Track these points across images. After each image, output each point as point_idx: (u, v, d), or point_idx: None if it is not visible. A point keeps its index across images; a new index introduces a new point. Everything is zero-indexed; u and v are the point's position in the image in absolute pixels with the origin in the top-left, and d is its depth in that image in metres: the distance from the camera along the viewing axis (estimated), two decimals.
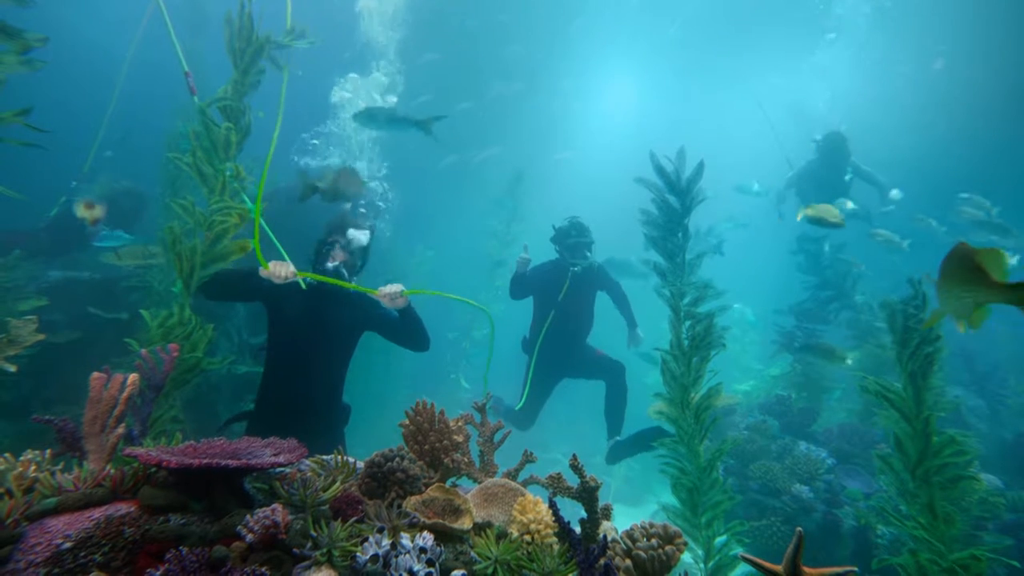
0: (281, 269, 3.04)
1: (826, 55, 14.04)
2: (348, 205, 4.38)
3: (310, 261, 3.58)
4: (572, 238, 5.35)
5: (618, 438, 5.44)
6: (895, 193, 7.52)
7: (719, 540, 3.57)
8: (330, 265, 3.40)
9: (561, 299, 5.38)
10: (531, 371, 5.43)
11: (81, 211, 4.92)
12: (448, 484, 2.18)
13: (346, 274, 3.44)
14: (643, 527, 1.93)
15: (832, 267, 7.59)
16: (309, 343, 3.42)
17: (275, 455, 1.92)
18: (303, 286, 3.39)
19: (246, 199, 3.65)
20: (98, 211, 5.08)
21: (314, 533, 1.58)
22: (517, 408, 5.49)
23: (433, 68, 12.14)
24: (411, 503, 1.88)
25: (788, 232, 8.80)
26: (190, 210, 3.61)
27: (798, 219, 5.71)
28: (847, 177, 7.51)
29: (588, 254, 5.35)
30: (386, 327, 3.60)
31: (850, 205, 6.90)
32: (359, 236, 3.51)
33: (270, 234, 3.39)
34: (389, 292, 3.22)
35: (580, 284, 5.43)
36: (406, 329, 3.50)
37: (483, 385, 4.84)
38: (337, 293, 3.47)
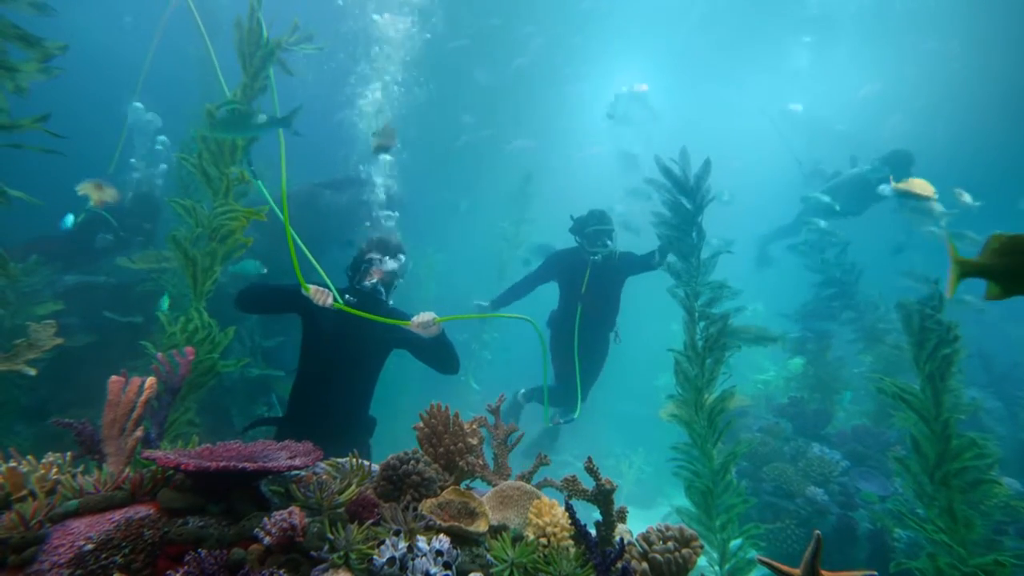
0: (321, 296, 3.09)
1: (830, 54, 13.99)
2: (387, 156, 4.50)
3: (346, 275, 3.58)
4: (591, 226, 5.17)
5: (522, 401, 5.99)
6: (885, 189, 7.46)
7: (734, 543, 3.54)
8: (368, 284, 3.43)
9: (584, 292, 5.25)
10: (577, 366, 5.29)
11: (86, 189, 4.97)
12: (463, 487, 2.18)
13: (383, 292, 3.46)
14: (659, 530, 1.92)
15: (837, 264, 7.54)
16: (340, 358, 3.44)
17: (291, 458, 1.93)
18: (340, 304, 3.40)
19: (271, 203, 3.64)
20: (108, 194, 5.13)
21: (331, 536, 1.59)
22: (575, 416, 5.40)
23: (438, 56, 12.15)
24: (427, 506, 1.89)
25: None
26: (191, 211, 3.64)
27: (889, 191, 5.67)
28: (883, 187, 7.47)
29: (609, 242, 5.17)
30: (417, 347, 3.56)
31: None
32: (397, 262, 3.54)
33: (311, 258, 3.39)
34: (422, 322, 3.21)
35: (603, 274, 5.27)
36: (437, 354, 3.47)
37: (544, 405, 4.90)
38: (370, 310, 3.46)
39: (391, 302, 3.59)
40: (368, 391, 3.64)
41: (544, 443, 6.41)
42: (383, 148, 4.22)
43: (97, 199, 5.07)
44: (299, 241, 3.34)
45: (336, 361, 3.44)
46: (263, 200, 3.59)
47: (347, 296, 3.36)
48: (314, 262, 3.39)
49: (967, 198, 6.64)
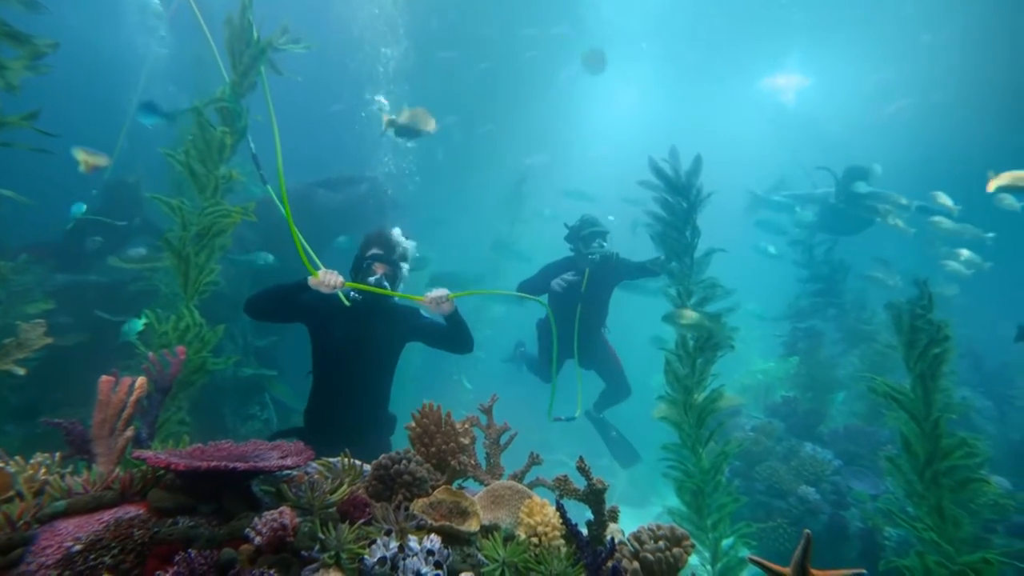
0: (330, 278, 2.99)
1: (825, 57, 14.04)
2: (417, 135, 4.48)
3: (350, 275, 3.49)
4: (586, 229, 5.33)
5: (601, 416, 6.12)
6: (860, 186, 7.51)
7: (726, 542, 3.56)
8: (372, 280, 3.34)
9: (584, 291, 5.31)
10: (579, 369, 5.43)
11: (79, 156, 4.90)
12: (455, 486, 2.18)
13: (389, 287, 3.37)
14: (650, 529, 1.93)
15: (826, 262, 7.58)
16: (354, 361, 3.40)
17: (282, 458, 1.93)
18: (347, 302, 3.32)
19: (279, 204, 3.61)
20: (100, 160, 5.04)
21: (322, 535, 1.59)
22: (577, 414, 5.44)
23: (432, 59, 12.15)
24: (418, 505, 1.88)
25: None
26: (176, 208, 3.62)
27: (991, 188, 5.70)
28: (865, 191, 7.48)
29: (604, 243, 5.28)
30: (429, 335, 3.53)
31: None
32: (404, 243, 3.47)
33: (309, 249, 3.36)
34: (435, 297, 3.15)
35: (599, 276, 5.37)
36: (451, 333, 3.42)
37: (550, 402, 4.93)
38: (380, 309, 3.41)
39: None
40: (386, 390, 3.60)
41: (620, 451, 6.49)
42: (415, 133, 4.18)
43: (88, 165, 4.96)
44: (301, 238, 3.30)
45: (350, 365, 3.39)
46: (248, 197, 3.60)
47: (353, 294, 3.31)
48: (314, 257, 3.35)
49: (944, 200, 6.70)
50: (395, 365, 3.63)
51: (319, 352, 3.46)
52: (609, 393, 6.16)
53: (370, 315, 3.40)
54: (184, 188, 5.62)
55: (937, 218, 6.89)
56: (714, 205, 3.89)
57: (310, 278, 3.00)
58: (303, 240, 3.08)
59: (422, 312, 3.39)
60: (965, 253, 6.93)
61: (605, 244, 5.30)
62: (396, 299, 3.47)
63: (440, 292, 3.17)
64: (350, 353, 3.39)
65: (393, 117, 4.28)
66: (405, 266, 3.51)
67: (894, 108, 13.72)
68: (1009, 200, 6.22)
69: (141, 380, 2.15)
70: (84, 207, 5.81)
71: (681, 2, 12.69)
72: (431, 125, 4.31)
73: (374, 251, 3.43)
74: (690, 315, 3.50)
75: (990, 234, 6.82)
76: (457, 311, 3.34)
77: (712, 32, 13.43)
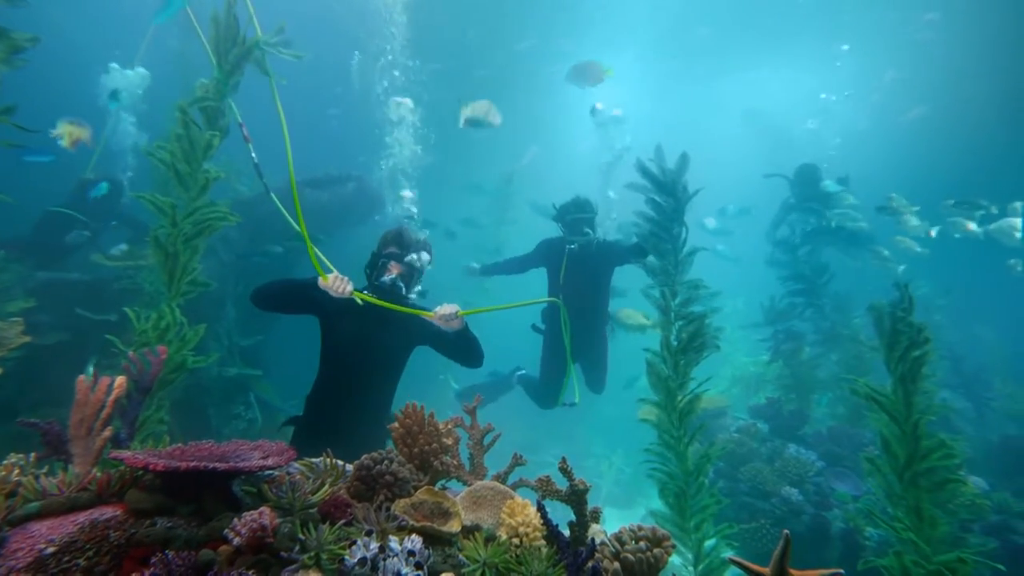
0: (340, 284, 2.95)
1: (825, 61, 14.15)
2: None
3: (365, 274, 3.45)
4: (571, 214, 5.06)
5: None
6: (829, 184, 7.58)
7: (709, 543, 3.58)
8: (387, 279, 3.27)
9: (561, 281, 5.08)
10: (569, 349, 5.17)
11: (62, 129, 4.81)
12: (437, 487, 2.17)
13: (403, 288, 3.31)
14: (631, 530, 1.94)
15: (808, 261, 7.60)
16: (362, 363, 3.33)
17: (263, 458, 1.91)
18: (359, 302, 3.24)
19: (277, 203, 3.57)
20: (84, 133, 4.95)
21: (302, 536, 1.58)
22: (577, 401, 5.26)
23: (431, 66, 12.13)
24: (400, 506, 1.88)
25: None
26: (162, 207, 3.58)
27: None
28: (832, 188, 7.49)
29: (588, 231, 5.04)
30: (441, 343, 3.46)
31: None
32: (421, 256, 3.38)
33: (321, 255, 3.33)
34: (444, 313, 3.10)
35: (584, 263, 5.12)
36: (462, 348, 3.37)
37: (563, 388, 4.89)
38: (393, 312, 3.32)
39: (413, 297, 3.44)
40: (390, 394, 3.51)
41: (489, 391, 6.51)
42: (483, 125, 4.62)
43: (72, 137, 4.85)
44: (316, 251, 3.24)
45: (358, 366, 3.32)
46: (229, 193, 3.58)
47: (365, 291, 3.24)
48: (326, 261, 3.31)
49: (901, 203, 6.81)
50: (402, 368, 3.54)
51: (327, 345, 3.39)
52: (538, 390, 5.96)
53: (380, 317, 3.31)
54: (169, 186, 5.56)
55: (905, 216, 6.99)
56: (702, 208, 3.92)
57: (320, 280, 2.97)
58: (318, 252, 3.05)
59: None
60: (906, 241, 7.10)
61: (589, 231, 5.05)
62: (410, 301, 3.39)
63: (450, 308, 3.12)
64: (357, 352, 3.32)
65: (469, 113, 4.73)
66: (425, 256, 3.41)
67: (911, 116, 13.69)
68: (971, 227, 6.42)
69: (120, 379, 2.12)
70: (106, 187, 5.75)
71: (672, 5, 12.77)
72: (494, 117, 4.74)
73: (391, 249, 3.36)
74: (631, 315, 3.56)
75: (934, 229, 6.92)
76: (467, 327, 3.28)
77: (703, 36, 13.52)
